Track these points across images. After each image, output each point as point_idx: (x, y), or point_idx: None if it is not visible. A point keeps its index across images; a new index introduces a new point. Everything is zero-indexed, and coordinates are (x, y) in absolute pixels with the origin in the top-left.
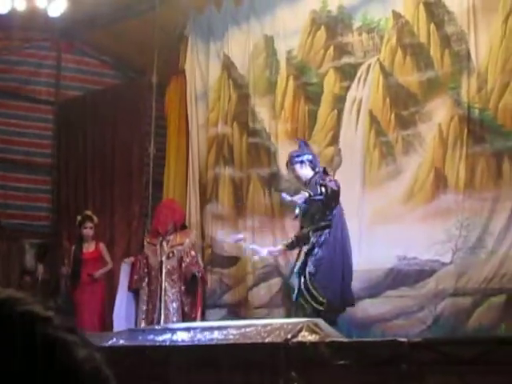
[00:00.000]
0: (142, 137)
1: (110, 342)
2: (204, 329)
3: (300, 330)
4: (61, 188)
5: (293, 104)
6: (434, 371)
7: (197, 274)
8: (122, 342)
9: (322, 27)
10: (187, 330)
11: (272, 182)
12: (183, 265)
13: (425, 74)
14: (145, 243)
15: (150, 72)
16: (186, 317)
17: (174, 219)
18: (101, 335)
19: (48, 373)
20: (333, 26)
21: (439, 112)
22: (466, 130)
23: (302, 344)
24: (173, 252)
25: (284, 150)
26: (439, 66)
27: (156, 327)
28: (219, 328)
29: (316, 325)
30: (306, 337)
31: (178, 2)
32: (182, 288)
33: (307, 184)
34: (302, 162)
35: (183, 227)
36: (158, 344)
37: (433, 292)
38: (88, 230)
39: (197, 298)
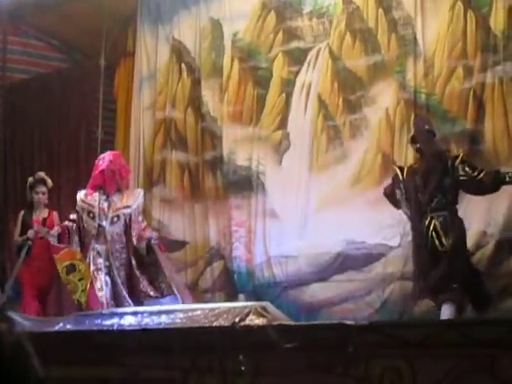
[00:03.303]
0: (89, 120)
1: (56, 327)
2: (151, 313)
3: (248, 314)
4: (7, 173)
5: (238, 87)
6: (381, 354)
7: (152, 240)
8: (68, 326)
9: (272, 11)
10: (134, 314)
11: (217, 165)
12: (133, 233)
13: (372, 58)
14: (78, 202)
15: (97, 55)
16: (145, 296)
17: (121, 176)
18: (47, 320)
19: None
20: (282, 10)
21: (385, 96)
22: (412, 115)
23: (249, 327)
24: (117, 216)
25: (228, 133)
26: (385, 49)
27: (103, 312)
28: (167, 312)
29: (264, 308)
30: (254, 320)
31: None
32: (133, 262)
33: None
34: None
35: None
36: (105, 328)
37: (381, 276)
38: (40, 196)
39: (158, 272)
